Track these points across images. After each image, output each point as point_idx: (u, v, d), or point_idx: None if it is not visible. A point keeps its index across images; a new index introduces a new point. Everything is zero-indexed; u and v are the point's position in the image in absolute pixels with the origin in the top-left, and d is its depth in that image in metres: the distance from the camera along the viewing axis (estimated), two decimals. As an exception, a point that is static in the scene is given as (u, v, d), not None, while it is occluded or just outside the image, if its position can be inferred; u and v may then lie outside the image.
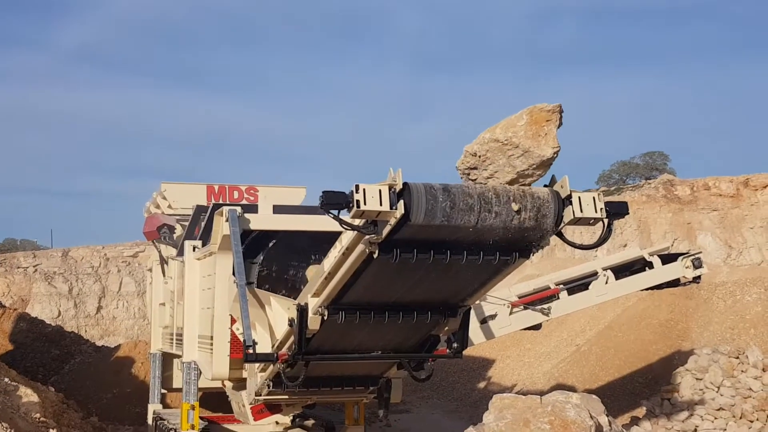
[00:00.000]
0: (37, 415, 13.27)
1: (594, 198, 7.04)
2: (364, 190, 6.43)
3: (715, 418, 12.31)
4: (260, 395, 10.74)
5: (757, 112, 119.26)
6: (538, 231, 7.10)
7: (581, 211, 6.96)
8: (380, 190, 6.46)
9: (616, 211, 7.19)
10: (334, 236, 8.14)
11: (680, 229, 37.55)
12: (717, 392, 12.67)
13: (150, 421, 15.29)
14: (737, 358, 13.20)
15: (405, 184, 6.54)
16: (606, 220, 7.15)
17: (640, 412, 14.02)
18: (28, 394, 13.69)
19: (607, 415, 6.15)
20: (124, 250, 37.12)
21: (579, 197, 6.99)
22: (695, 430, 12.28)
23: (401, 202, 6.49)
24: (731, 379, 12.71)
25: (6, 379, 14.20)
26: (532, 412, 5.77)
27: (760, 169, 40.32)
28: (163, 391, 15.84)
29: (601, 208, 7.03)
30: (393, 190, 6.49)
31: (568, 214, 6.99)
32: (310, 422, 13.50)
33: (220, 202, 14.32)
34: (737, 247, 37.42)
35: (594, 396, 6.23)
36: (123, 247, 37.33)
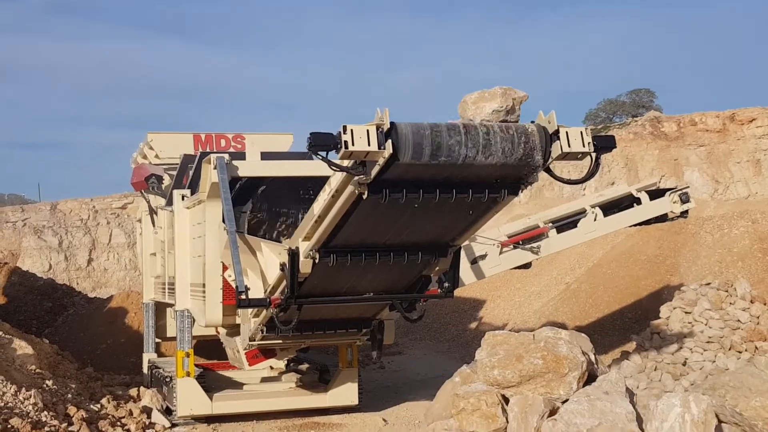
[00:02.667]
0: (33, 366, 13.35)
1: (581, 132, 7.05)
2: (351, 130, 6.42)
3: (704, 350, 12.45)
4: (254, 340, 10.83)
5: (742, 46, 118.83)
6: (526, 167, 7.11)
7: (569, 145, 6.96)
8: (368, 131, 6.46)
9: (604, 144, 7.20)
10: (322, 181, 8.14)
11: (667, 166, 37.64)
12: (705, 325, 12.80)
13: (145, 369, 15.42)
14: (726, 290, 13.33)
15: (392, 123, 6.53)
16: (594, 155, 7.16)
17: (630, 346, 14.17)
18: (22, 347, 13.75)
19: (594, 354, 6.23)
20: (113, 202, 36.99)
21: (567, 132, 7.00)
22: (685, 362, 12.43)
23: (389, 141, 6.49)
24: (720, 312, 12.84)
25: (0, 333, 14.25)
26: (525, 348, 5.84)
27: (747, 104, 40.32)
28: (158, 340, 15.95)
29: (588, 143, 7.04)
30: (381, 130, 6.48)
31: (555, 149, 7.00)
32: (304, 366, 13.65)
33: (208, 150, 14.27)
34: (724, 182, 37.58)
35: (583, 334, 6.30)
36: (111, 198, 37.17)
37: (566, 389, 5.63)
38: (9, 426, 10.48)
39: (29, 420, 10.82)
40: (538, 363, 5.72)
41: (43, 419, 11.15)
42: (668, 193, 13.23)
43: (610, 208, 13.21)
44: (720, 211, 24.69)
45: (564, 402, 5.58)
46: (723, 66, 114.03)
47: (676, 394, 5.44)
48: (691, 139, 38.48)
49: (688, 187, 13.77)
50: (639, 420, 5.43)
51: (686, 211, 13.34)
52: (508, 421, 5.61)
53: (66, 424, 11.26)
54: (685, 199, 13.13)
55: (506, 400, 5.74)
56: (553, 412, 5.54)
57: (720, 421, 5.81)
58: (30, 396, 11.53)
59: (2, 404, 11.15)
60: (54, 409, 11.63)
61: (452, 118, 6.97)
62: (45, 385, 12.52)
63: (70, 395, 12.70)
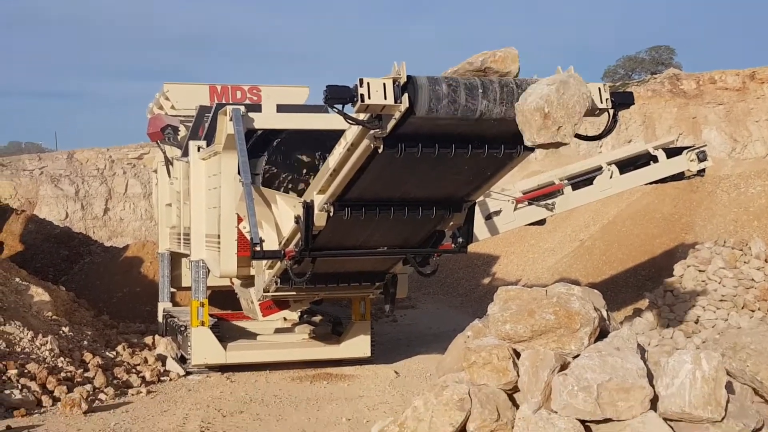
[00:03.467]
0: (49, 313, 13.50)
1: (599, 88, 6.99)
2: (368, 83, 6.39)
3: (717, 309, 12.47)
4: (268, 292, 10.90)
5: (764, 4, 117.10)
6: (543, 123, 7.06)
7: None
8: (384, 84, 6.43)
9: (621, 101, 7.14)
10: (338, 134, 8.14)
11: (685, 124, 37.32)
12: (719, 283, 12.81)
13: (160, 318, 15.56)
14: (740, 249, 13.31)
15: (409, 77, 6.49)
16: (611, 111, 7.11)
17: (643, 304, 14.21)
18: (39, 293, 13.89)
19: (607, 310, 6.24)
20: (129, 152, 37.08)
21: (584, 88, 6.93)
22: (697, 320, 12.46)
23: (405, 95, 6.46)
24: (734, 270, 12.83)
25: (17, 279, 14.40)
26: (537, 303, 5.85)
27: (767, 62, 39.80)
28: (173, 289, 16.07)
29: (606, 99, 6.98)
30: (397, 83, 6.46)
31: (573, 106, 6.94)
32: (317, 318, 13.75)
33: (224, 102, 14.25)
34: (742, 141, 37.25)
35: (596, 291, 6.30)
36: (128, 148, 37.25)
37: (577, 344, 5.65)
38: (26, 371, 10.64)
39: (46, 365, 10.98)
40: (549, 318, 5.73)
41: (60, 365, 11.31)
42: (685, 151, 13.13)
43: (627, 165, 13.13)
44: (737, 170, 24.53)
45: (575, 357, 5.61)
46: (744, 23, 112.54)
47: (687, 350, 5.45)
48: (710, 97, 38.07)
49: (705, 145, 13.66)
50: (650, 376, 5.46)
51: (703, 170, 13.24)
52: (518, 375, 5.65)
53: (82, 370, 11.42)
54: (702, 157, 13.03)
55: (517, 355, 5.77)
56: (563, 366, 5.57)
57: (732, 377, 5.85)
58: (47, 342, 11.69)
59: (19, 349, 11.31)
60: (70, 356, 11.79)
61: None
62: (61, 332, 12.68)
63: (86, 342, 12.86)
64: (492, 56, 6.67)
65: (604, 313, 6.14)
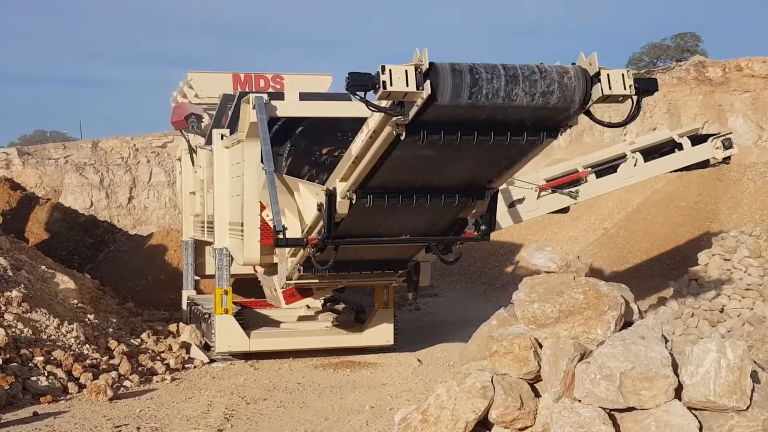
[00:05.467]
0: (75, 301, 13.60)
1: (623, 75, 6.92)
2: (390, 70, 6.36)
3: (743, 298, 12.38)
4: (291, 279, 10.92)
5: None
6: (566, 109, 7.02)
7: (609, 88, 6.84)
8: (406, 71, 6.39)
9: (645, 87, 7.06)
10: (360, 122, 8.12)
11: (711, 111, 37.00)
12: (745, 272, 12.71)
13: (184, 306, 15.65)
14: (766, 240, 13.18)
15: (431, 64, 6.46)
16: (635, 98, 7.04)
17: (668, 292, 14.13)
18: (65, 281, 14.00)
19: (637, 305, 6.20)
20: (153, 141, 37.25)
21: (608, 74, 6.87)
22: (722, 309, 12.38)
23: (428, 82, 6.43)
24: (759, 260, 12.72)
25: (43, 267, 14.51)
26: (566, 285, 5.84)
27: (795, 49, 39.34)
28: (197, 277, 16.15)
29: (630, 85, 6.91)
30: (419, 70, 6.42)
31: (596, 92, 6.89)
32: (340, 306, 13.77)
33: (247, 90, 14.27)
34: (769, 129, 36.91)
35: (623, 285, 6.26)
36: (152, 137, 37.43)
37: (604, 329, 5.61)
38: (52, 358, 10.74)
39: (71, 353, 11.07)
40: (578, 297, 5.70)
41: (85, 352, 11.40)
42: (711, 138, 13.02)
43: (651, 153, 13.04)
44: (763, 158, 24.32)
45: (599, 344, 5.58)
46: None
47: (712, 339, 5.41)
48: (736, 84, 37.71)
49: (731, 133, 13.54)
50: (674, 365, 5.42)
51: (728, 158, 13.13)
52: (539, 366, 5.63)
53: (107, 357, 11.51)
54: (728, 145, 12.92)
55: (540, 346, 5.76)
56: (585, 356, 5.54)
57: (758, 368, 5.80)
58: (72, 329, 11.78)
59: (45, 337, 11.41)
60: (95, 343, 11.88)
61: (488, 60, 6.89)
62: (87, 319, 12.78)
63: (111, 329, 12.95)
64: None
65: (633, 306, 6.11)
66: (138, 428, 8.82)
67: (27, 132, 54.73)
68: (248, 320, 13.04)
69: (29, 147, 39.27)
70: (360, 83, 6.45)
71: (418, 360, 12.39)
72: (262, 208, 10.97)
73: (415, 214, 9.02)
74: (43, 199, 26.01)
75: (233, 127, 12.09)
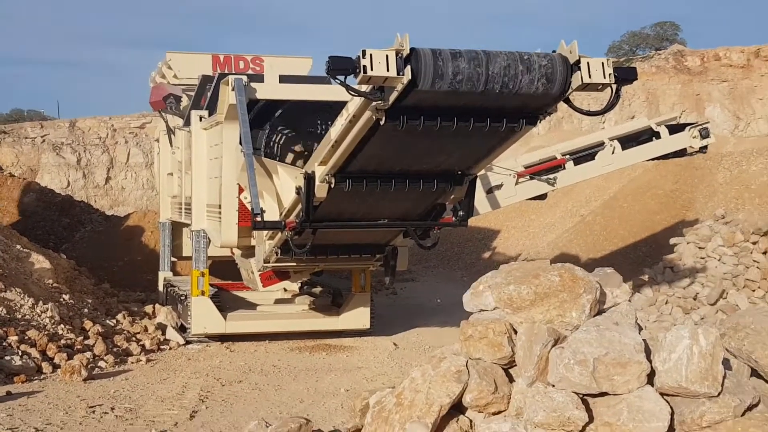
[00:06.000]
0: (50, 281, 13.53)
1: (603, 63, 6.96)
2: (371, 55, 6.36)
3: (716, 286, 12.48)
4: (269, 262, 10.93)
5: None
6: (545, 97, 7.05)
7: (589, 76, 6.89)
8: (387, 56, 6.40)
9: (625, 76, 7.11)
10: (340, 106, 8.12)
11: (689, 101, 37.25)
12: (719, 260, 12.82)
13: (161, 287, 15.61)
14: (737, 226, 13.29)
15: (412, 49, 6.47)
16: (614, 86, 7.09)
17: (643, 279, 14.22)
18: (40, 261, 13.92)
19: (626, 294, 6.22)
20: (131, 121, 37.04)
21: (588, 62, 6.91)
22: (696, 296, 12.48)
23: (408, 67, 6.43)
24: (734, 248, 12.83)
25: (18, 246, 14.42)
26: (542, 269, 5.89)
27: (773, 40, 39.64)
28: (173, 259, 16.12)
29: (609, 74, 6.95)
30: (400, 55, 6.43)
31: (576, 80, 6.93)
32: (317, 289, 13.79)
33: (226, 72, 14.21)
34: (745, 119, 37.19)
35: (610, 269, 6.28)
36: (130, 118, 37.21)
37: (579, 312, 5.65)
38: (26, 337, 10.70)
39: (46, 332, 11.03)
40: (554, 280, 5.74)
41: (60, 332, 11.36)
42: (688, 127, 13.12)
43: (629, 141, 13.12)
44: (740, 148, 24.49)
45: (574, 329, 5.63)
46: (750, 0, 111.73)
47: (684, 326, 5.45)
48: (714, 74, 37.98)
49: (708, 122, 13.64)
50: (647, 351, 5.47)
51: (705, 147, 13.24)
52: (513, 352, 5.67)
53: (82, 337, 11.47)
54: (705, 134, 13.02)
55: (515, 332, 5.80)
56: (558, 341, 5.59)
57: (730, 355, 5.87)
58: (47, 309, 11.73)
59: (20, 316, 11.36)
60: (70, 323, 11.84)
61: (472, 46, 6.90)
62: (62, 299, 12.73)
63: (86, 310, 12.91)
64: None
65: (624, 287, 6.10)
66: (112, 408, 8.81)
67: (4, 111, 54.18)
68: (225, 302, 13.04)
69: (6, 126, 38.92)
70: (340, 67, 6.45)
71: (394, 344, 12.44)
72: (240, 190, 10.94)
73: (394, 199, 9.04)
74: (19, 178, 25.81)
75: (212, 108, 12.04)
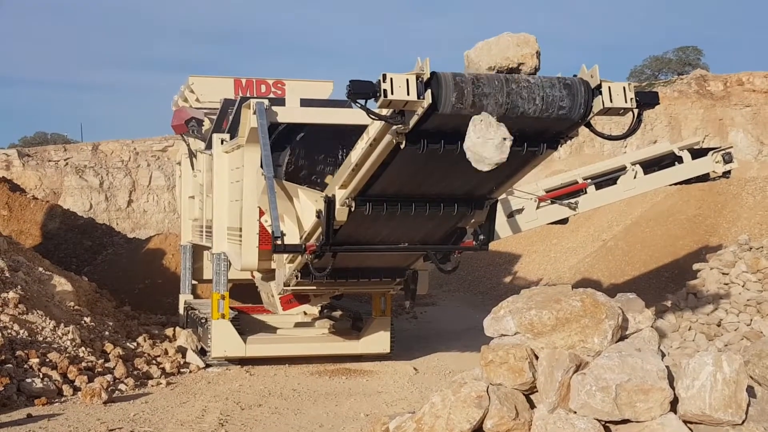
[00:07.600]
0: (72, 303, 13.58)
1: (624, 87, 6.94)
2: (391, 79, 6.37)
3: (740, 312, 12.35)
4: (289, 286, 10.92)
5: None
6: (566, 121, 7.03)
7: (611, 101, 6.86)
8: (408, 80, 6.41)
9: (646, 101, 7.08)
10: (361, 129, 8.13)
11: (712, 126, 37.07)
12: (743, 287, 12.69)
13: (181, 310, 15.62)
14: (765, 255, 13.15)
15: (433, 73, 6.47)
16: (636, 111, 7.06)
17: (665, 305, 14.09)
18: (62, 283, 13.97)
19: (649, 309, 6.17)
20: (153, 144, 37.31)
21: (609, 87, 6.89)
22: (719, 323, 12.34)
23: (429, 91, 6.44)
24: (758, 274, 12.71)
25: (40, 269, 14.49)
26: (564, 294, 5.84)
27: (796, 65, 39.49)
28: (194, 282, 16.13)
29: (631, 98, 6.93)
30: (420, 79, 6.43)
31: (597, 104, 6.91)
32: (337, 313, 13.75)
33: (248, 95, 14.28)
34: (769, 144, 36.95)
35: (633, 295, 6.23)
36: (152, 141, 37.49)
37: (601, 338, 5.59)
38: (47, 360, 10.72)
39: (67, 355, 11.05)
40: (576, 305, 5.69)
41: (81, 355, 11.38)
42: (711, 152, 13.03)
43: (651, 165, 13.05)
44: (763, 173, 24.35)
45: (595, 355, 5.57)
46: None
47: (708, 352, 5.40)
48: (737, 98, 37.80)
49: (731, 147, 13.57)
50: (670, 378, 5.41)
51: (728, 172, 13.15)
52: (534, 377, 5.62)
53: (102, 360, 11.49)
54: (728, 159, 12.93)
55: (536, 357, 5.75)
56: (580, 367, 5.53)
57: (755, 382, 5.79)
58: (68, 332, 11.76)
59: (41, 339, 11.39)
60: (91, 346, 11.86)
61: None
62: (83, 322, 12.76)
63: (107, 332, 12.93)
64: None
65: (629, 316, 6.06)
66: (132, 431, 8.81)
67: (28, 134, 54.76)
68: (245, 326, 13.03)
69: (29, 149, 39.31)
70: (361, 91, 6.46)
71: (414, 368, 12.37)
72: (261, 213, 10.96)
73: (414, 222, 9.02)
74: (42, 201, 26.01)
75: (233, 131, 12.08)
